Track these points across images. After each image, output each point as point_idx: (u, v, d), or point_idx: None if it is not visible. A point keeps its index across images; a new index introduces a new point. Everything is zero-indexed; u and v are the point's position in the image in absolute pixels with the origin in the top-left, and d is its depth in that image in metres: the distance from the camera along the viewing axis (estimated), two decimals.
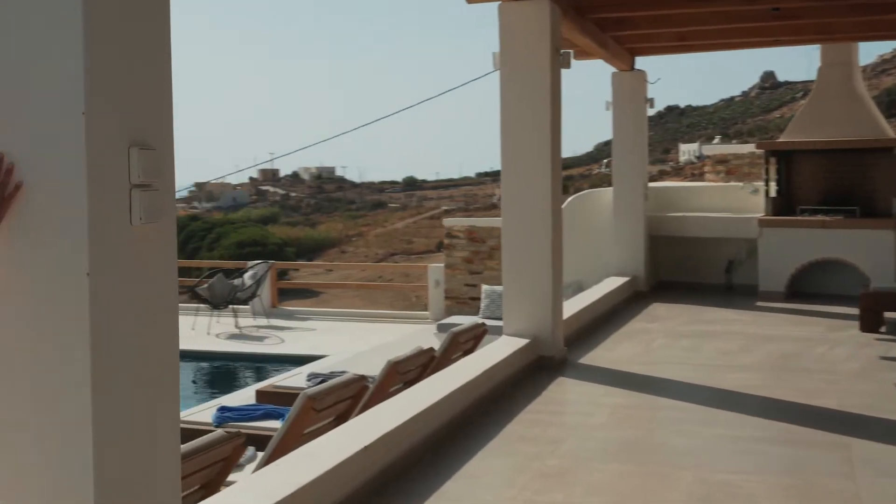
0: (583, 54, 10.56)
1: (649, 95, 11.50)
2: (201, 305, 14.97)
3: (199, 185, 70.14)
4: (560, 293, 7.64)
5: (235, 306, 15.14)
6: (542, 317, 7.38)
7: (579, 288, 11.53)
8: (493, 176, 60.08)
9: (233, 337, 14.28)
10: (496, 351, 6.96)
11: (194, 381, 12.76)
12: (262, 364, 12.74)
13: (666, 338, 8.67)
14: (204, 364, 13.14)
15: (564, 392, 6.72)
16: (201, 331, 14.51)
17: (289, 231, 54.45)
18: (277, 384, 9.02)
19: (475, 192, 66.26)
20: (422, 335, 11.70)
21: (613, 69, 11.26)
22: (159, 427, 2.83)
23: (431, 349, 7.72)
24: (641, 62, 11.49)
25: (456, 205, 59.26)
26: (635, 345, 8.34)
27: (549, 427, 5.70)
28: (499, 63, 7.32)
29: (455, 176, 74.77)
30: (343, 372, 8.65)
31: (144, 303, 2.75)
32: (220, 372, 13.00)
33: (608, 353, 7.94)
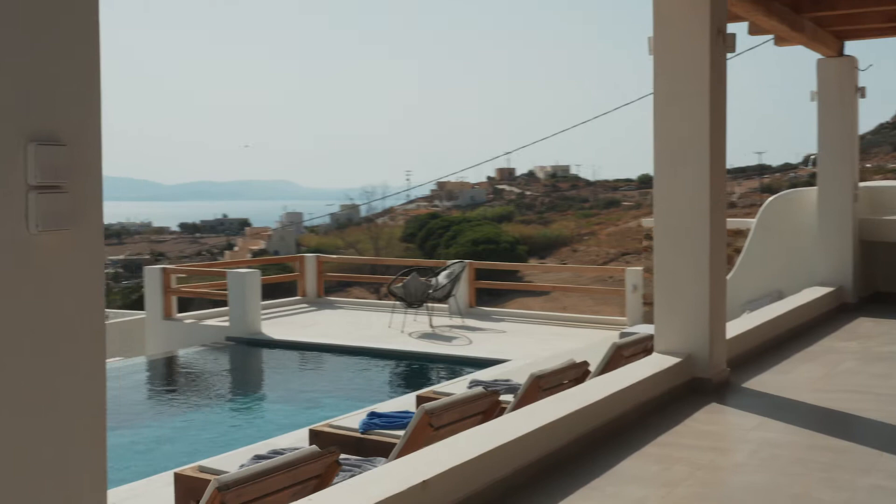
0: (782, 39, 9.50)
1: (861, 84, 10.21)
2: (397, 303, 15.02)
3: (440, 184, 71.72)
4: (722, 306, 6.76)
5: (431, 305, 15.05)
6: (698, 333, 6.53)
7: (779, 297, 10.44)
8: (733, 173, 57.53)
9: (424, 336, 14.17)
10: (637, 370, 6.22)
11: (389, 381, 12.67)
12: (448, 365, 12.47)
13: (856, 360, 7.54)
14: (396, 363, 13.05)
15: (711, 421, 5.88)
16: (396, 329, 14.52)
17: (522, 229, 54.53)
18: (437, 390, 8.66)
19: None
20: (607, 343, 10.99)
21: (818, 55, 10.07)
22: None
23: (585, 363, 7.07)
24: (853, 47, 10.20)
25: None
26: (816, 367, 7.29)
27: (673, 465, 4.93)
28: (652, 48, 6.55)
29: None
30: (507, 380, 8.15)
31: (47, 327, 2.34)
32: (411, 371, 12.86)
33: (780, 376, 6.96)
